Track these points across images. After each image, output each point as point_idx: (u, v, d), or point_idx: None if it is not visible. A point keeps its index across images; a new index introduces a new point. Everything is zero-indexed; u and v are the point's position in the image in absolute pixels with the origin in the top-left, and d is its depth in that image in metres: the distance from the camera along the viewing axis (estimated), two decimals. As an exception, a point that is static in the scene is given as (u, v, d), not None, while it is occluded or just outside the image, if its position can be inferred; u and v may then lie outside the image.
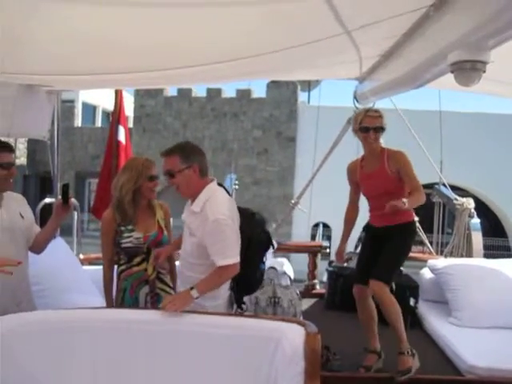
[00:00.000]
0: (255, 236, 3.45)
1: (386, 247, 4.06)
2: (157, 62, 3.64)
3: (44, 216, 4.48)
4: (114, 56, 3.42)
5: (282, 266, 4.98)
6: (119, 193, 3.68)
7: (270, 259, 5.16)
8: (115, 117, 5.92)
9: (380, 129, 4.11)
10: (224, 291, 3.40)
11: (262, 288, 4.65)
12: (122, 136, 5.85)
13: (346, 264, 5.86)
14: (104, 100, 26.02)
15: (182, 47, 3.24)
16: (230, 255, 3.18)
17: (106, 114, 28.18)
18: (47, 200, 5.44)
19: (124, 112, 5.97)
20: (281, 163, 20.35)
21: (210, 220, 3.19)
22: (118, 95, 5.89)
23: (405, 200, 3.73)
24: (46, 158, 5.05)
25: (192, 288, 3.10)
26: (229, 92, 20.99)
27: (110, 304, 3.69)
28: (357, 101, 5.91)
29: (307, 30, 2.87)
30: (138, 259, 3.72)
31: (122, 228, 3.67)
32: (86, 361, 2.99)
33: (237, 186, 9.51)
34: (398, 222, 4.06)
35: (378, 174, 4.11)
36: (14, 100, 4.28)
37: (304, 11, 2.52)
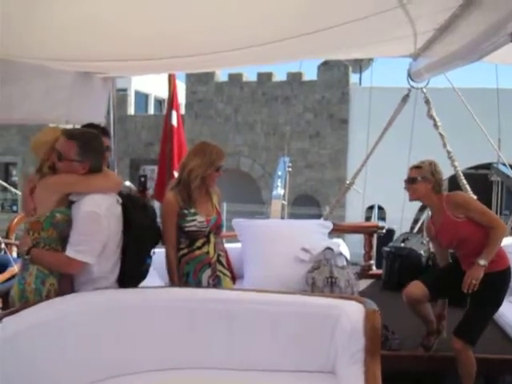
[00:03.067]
0: (143, 228, 3.33)
1: (473, 299, 3.72)
2: (208, 45, 3.65)
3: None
4: (166, 41, 3.44)
5: (338, 247, 4.95)
6: (188, 176, 3.72)
7: (326, 240, 5.16)
8: (169, 102, 5.99)
9: (412, 180, 3.82)
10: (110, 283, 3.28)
11: (319, 268, 4.66)
12: (174, 120, 5.91)
13: (402, 244, 5.81)
14: (156, 88, 26.30)
15: (233, 29, 3.24)
16: (79, 252, 3.06)
17: (158, 101, 28.50)
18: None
19: (177, 97, 6.03)
20: (333, 146, 20.17)
21: (83, 210, 3.09)
22: (172, 80, 5.95)
23: (481, 261, 3.51)
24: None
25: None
26: (279, 75, 20.89)
27: (175, 282, 3.74)
28: (411, 79, 5.82)
29: (359, 4, 2.82)
30: (199, 243, 3.76)
31: (185, 211, 3.70)
32: (159, 336, 3.10)
33: (290, 169, 9.46)
34: (489, 271, 3.60)
35: (446, 225, 3.77)
36: (72, 87, 4.38)
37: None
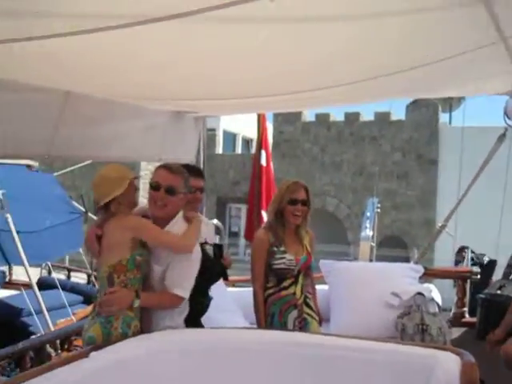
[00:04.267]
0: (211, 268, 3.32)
1: None
2: (298, 84, 3.64)
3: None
4: (255, 79, 3.46)
5: (430, 292, 4.73)
6: (268, 213, 3.76)
7: (417, 285, 4.95)
8: (258, 141, 6.03)
9: None
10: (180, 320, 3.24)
11: (409, 314, 4.46)
12: (264, 160, 5.94)
13: (499, 291, 5.48)
14: (244, 128, 26.77)
15: (323, 67, 3.21)
16: (184, 290, 3.09)
17: (245, 141, 28.95)
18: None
19: (266, 136, 6.07)
20: (421, 186, 19.70)
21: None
22: (261, 120, 6.00)
23: None
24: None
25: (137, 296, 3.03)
26: (367, 115, 20.78)
27: (263, 324, 3.68)
28: (508, 117, 5.60)
29: (459, 39, 2.72)
30: (286, 283, 3.71)
31: (275, 249, 3.69)
32: (242, 379, 3.03)
33: (379, 210, 9.29)
34: None
35: None
36: (165, 126, 4.49)
37: (454, 18, 2.38)
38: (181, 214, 3.21)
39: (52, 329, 6.21)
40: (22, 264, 6.29)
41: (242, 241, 21.76)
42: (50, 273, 10.38)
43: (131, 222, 3.09)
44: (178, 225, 3.15)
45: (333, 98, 4.39)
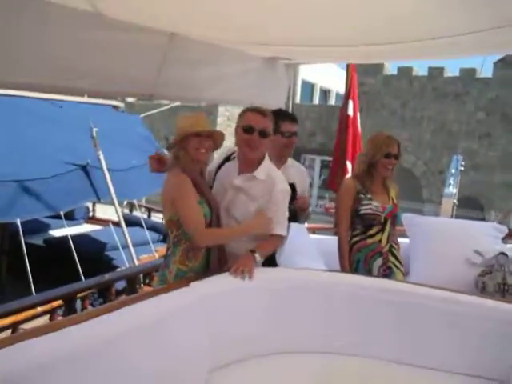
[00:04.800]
0: None
1: None
2: (388, 34, 3.57)
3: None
4: (345, 26, 3.42)
5: (515, 253, 4.66)
6: (357, 163, 3.81)
7: (500, 244, 4.89)
8: (346, 91, 6.00)
9: None
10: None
11: (491, 273, 4.43)
12: (351, 110, 5.91)
13: None
14: (322, 78, 26.45)
15: (418, 17, 3.13)
16: (285, 227, 3.21)
17: (323, 91, 28.62)
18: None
19: (355, 87, 6.02)
20: (504, 148, 19.01)
21: (279, 189, 3.18)
22: (350, 70, 5.95)
23: None
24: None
25: (253, 251, 3.08)
26: (452, 71, 20.06)
27: (347, 268, 3.78)
28: None
29: None
30: (373, 230, 3.78)
31: (362, 196, 3.77)
32: (319, 318, 3.15)
33: (462, 168, 9.08)
34: None
35: None
36: (259, 72, 4.54)
37: None
38: (267, 157, 3.30)
39: (136, 263, 6.52)
40: (111, 200, 6.57)
41: (315, 191, 21.82)
42: (131, 211, 10.82)
43: (172, 186, 3.06)
44: (268, 167, 3.27)
45: (431, 50, 4.28)
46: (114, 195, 6.44)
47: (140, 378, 2.41)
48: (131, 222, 8.56)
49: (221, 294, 2.90)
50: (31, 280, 5.79)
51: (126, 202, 10.51)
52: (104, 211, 11.11)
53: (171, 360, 2.54)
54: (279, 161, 3.61)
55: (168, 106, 14.04)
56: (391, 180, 3.92)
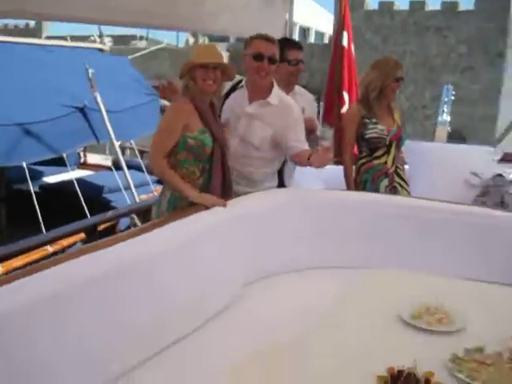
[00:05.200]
0: None
1: None
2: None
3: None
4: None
5: (510, 175, 4.86)
6: (365, 89, 3.90)
7: (497, 166, 5.07)
8: (339, 22, 5.99)
9: None
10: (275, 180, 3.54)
11: (489, 194, 4.63)
12: (345, 41, 5.92)
13: None
14: (300, 17, 26.16)
15: None
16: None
17: (302, 30, 28.36)
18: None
19: (348, 17, 6.00)
20: (486, 81, 19.14)
21: (296, 111, 3.36)
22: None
23: None
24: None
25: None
26: (433, 5, 19.97)
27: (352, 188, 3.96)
28: None
29: None
30: (379, 152, 3.94)
31: (367, 120, 3.89)
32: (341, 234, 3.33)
33: (453, 97, 9.19)
34: None
35: None
36: (258, 5, 4.60)
37: None
38: (275, 83, 3.40)
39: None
40: (110, 141, 6.63)
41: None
42: (123, 154, 10.83)
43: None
44: (279, 93, 3.39)
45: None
46: (113, 136, 6.49)
47: (175, 293, 2.53)
48: (127, 165, 8.59)
49: (257, 212, 3.07)
50: (41, 219, 5.80)
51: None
52: (92, 158, 11.18)
53: (207, 276, 2.69)
54: (286, 88, 3.71)
55: (148, 50, 13.93)
56: (395, 101, 4.06)
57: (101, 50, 9.66)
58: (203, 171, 3.10)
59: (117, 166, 9.06)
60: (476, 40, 19.07)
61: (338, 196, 3.56)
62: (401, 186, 3.99)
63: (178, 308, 2.49)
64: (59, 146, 6.23)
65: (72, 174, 9.49)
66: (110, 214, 5.00)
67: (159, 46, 11.70)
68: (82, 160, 11.03)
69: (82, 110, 6.55)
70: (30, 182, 6.25)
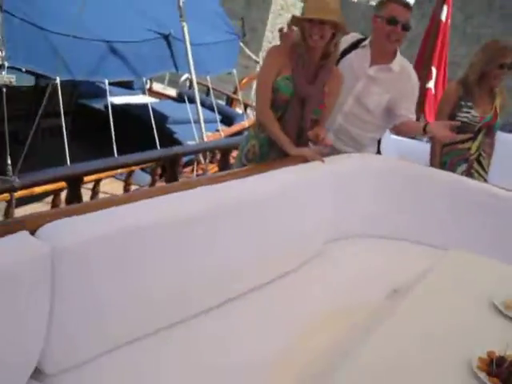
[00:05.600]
0: None
1: None
2: None
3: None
4: None
5: None
6: (468, 70, 3.80)
7: None
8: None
9: None
10: None
11: None
12: (444, 16, 5.77)
13: None
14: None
15: None
16: None
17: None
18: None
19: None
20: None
21: (415, 81, 3.36)
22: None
23: None
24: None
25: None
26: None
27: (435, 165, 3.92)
28: None
29: None
30: (465, 137, 3.85)
31: (462, 103, 3.80)
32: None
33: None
34: None
35: None
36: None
37: None
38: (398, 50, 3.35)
39: (205, 139, 6.60)
40: (189, 72, 6.61)
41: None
42: (189, 88, 10.80)
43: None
44: (401, 59, 3.36)
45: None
46: (192, 68, 6.47)
47: (272, 235, 2.59)
48: (190, 99, 8.59)
49: (349, 174, 3.08)
50: (114, 142, 5.73)
51: (183, 79, 10.43)
52: (157, 87, 11.14)
53: (294, 228, 2.72)
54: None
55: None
56: (501, 89, 3.91)
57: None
58: (279, 120, 3.04)
59: (181, 98, 9.06)
60: None
61: (427, 173, 3.53)
62: (478, 173, 3.90)
63: (255, 257, 2.52)
64: (141, 69, 6.26)
65: (137, 99, 9.55)
66: (191, 147, 4.99)
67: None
68: (148, 86, 11.04)
69: (166, 38, 6.55)
70: (108, 99, 6.19)
